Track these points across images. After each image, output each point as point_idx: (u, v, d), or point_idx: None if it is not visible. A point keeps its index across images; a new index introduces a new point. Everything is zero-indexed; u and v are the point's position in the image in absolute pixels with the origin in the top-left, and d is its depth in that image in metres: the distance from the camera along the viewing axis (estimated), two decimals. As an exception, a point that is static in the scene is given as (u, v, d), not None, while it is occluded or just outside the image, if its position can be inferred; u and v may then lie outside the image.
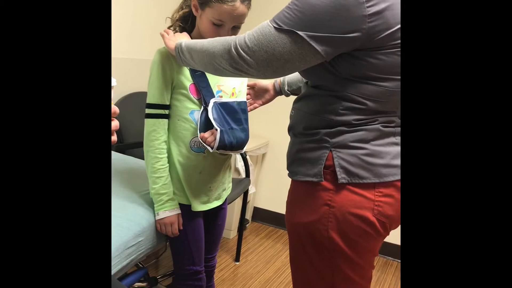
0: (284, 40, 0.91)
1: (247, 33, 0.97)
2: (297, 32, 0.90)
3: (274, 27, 0.92)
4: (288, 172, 1.13)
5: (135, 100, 2.12)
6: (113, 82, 0.77)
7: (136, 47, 2.21)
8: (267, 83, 1.52)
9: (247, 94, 1.48)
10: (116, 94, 2.09)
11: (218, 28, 1.25)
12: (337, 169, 0.99)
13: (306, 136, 1.05)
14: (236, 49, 0.97)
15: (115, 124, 0.76)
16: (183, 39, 1.22)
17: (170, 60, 1.27)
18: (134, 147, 1.95)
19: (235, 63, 0.97)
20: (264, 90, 1.52)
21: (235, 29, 1.28)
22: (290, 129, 1.13)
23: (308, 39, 0.89)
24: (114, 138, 0.77)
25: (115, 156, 1.76)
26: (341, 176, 0.98)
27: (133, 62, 2.19)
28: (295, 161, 1.09)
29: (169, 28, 1.37)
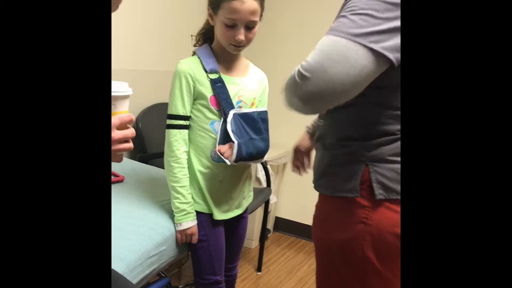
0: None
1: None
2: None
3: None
4: (315, 186, 1.08)
5: (157, 111, 2.15)
6: (129, 91, 0.79)
7: (158, 59, 2.25)
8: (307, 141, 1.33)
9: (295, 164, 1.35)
10: (138, 106, 2.13)
11: (232, 30, 1.24)
12: (374, 184, 0.93)
13: (340, 148, 0.98)
14: (296, 71, 0.85)
15: (132, 131, 0.79)
16: None
17: (192, 71, 1.29)
18: (156, 157, 1.97)
19: (295, 89, 0.85)
20: (308, 149, 1.34)
21: (249, 30, 1.26)
22: (319, 140, 1.06)
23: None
24: (130, 145, 0.80)
25: (138, 165, 1.78)
26: (379, 192, 0.93)
27: (155, 74, 2.23)
28: (325, 174, 1.03)
29: (194, 45, 1.40)
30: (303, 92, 0.84)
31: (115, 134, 0.76)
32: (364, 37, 0.81)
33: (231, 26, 1.24)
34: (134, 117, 0.80)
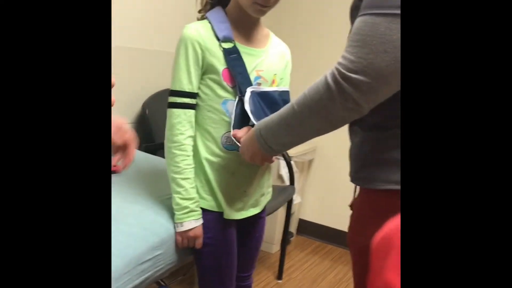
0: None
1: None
2: None
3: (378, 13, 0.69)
4: (353, 179, 0.89)
5: (167, 97, 1.94)
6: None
7: (170, 39, 2.03)
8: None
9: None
10: (145, 90, 1.92)
11: None
12: None
13: (386, 130, 0.79)
14: (333, 76, 0.71)
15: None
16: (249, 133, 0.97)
17: (201, 38, 1.06)
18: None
19: (342, 99, 0.71)
20: None
21: None
22: (356, 123, 0.87)
23: None
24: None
25: (141, 156, 1.56)
26: None
27: (165, 55, 2.01)
28: (368, 163, 0.83)
29: (199, 11, 1.17)
30: (363, 99, 0.71)
31: None
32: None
33: None
34: (114, 80, 0.61)
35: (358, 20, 0.71)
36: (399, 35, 0.66)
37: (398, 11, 0.66)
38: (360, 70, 0.68)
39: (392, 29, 0.67)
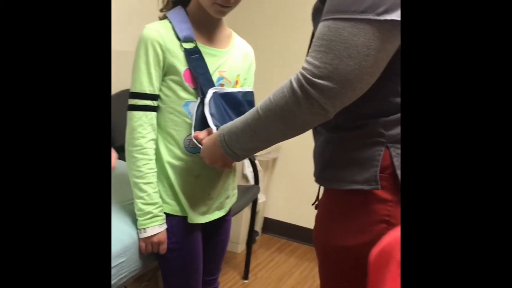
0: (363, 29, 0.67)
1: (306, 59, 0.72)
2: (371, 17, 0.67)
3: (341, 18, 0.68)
4: (318, 179, 0.88)
5: (127, 98, 1.89)
6: None
7: (130, 38, 1.98)
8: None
9: None
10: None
11: None
12: (399, 171, 0.75)
13: (350, 130, 0.80)
14: (299, 82, 0.71)
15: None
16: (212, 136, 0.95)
17: (162, 39, 1.04)
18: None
19: (308, 104, 0.70)
20: None
21: None
22: (319, 124, 0.86)
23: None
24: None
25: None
26: None
27: (126, 54, 1.96)
28: (331, 164, 0.83)
29: (161, 10, 1.14)
30: (329, 104, 0.70)
31: None
32: (368, 10, 0.66)
33: None
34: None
35: (322, 24, 0.71)
36: (362, 39, 0.67)
37: (361, 16, 0.66)
38: (326, 75, 0.68)
39: (356, 34, 0.67)
